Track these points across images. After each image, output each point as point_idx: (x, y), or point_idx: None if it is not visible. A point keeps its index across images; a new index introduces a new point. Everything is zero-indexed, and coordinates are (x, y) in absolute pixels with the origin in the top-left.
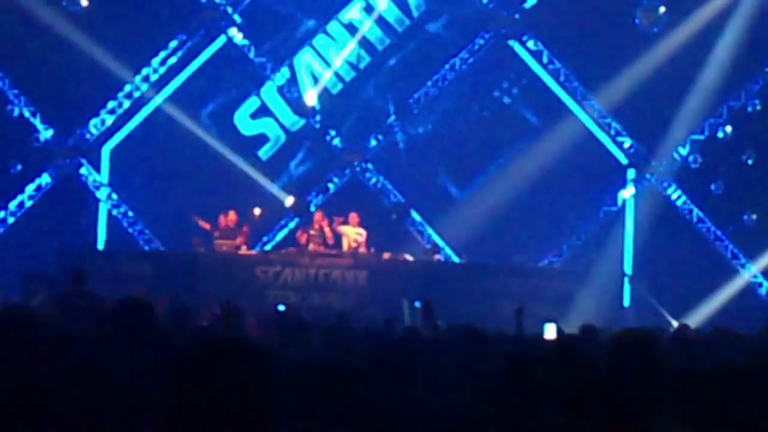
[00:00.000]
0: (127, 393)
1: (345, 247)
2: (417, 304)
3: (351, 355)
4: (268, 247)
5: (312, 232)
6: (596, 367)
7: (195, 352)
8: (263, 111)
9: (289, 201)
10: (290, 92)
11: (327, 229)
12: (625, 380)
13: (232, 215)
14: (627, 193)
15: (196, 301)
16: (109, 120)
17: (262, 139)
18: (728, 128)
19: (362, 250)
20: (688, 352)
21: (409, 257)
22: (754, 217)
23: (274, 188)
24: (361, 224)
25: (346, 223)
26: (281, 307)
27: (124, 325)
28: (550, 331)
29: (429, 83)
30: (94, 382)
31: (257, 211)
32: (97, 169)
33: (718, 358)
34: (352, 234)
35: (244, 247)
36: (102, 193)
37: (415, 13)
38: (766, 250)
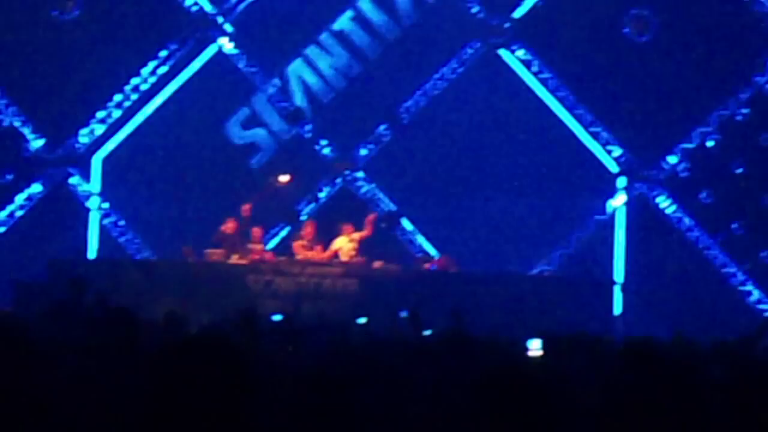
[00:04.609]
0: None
1: (344, 258)
2: (403, 314)
3: (344, 364)
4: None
5: (304, 242)
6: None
7: (172, 352)
8: (254, 120)
9: (283, 178)
10: (281, 102)
11: (321, 251)
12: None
13: (230, 224)
14: (617, 201)
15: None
16: (100, 130)
17: (253, 148)
18: (717, 137)
19: (353, 253)
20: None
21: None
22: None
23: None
24: (354, 231)
25: (336, 234)
26: (277, 317)
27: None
28: (534, 347)
29: (419, 93)
30: (85, 391)
31: (285, 178)
32: (88, 178)
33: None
34: (347, 245)
35: (234, 256)
36: (92, 203)
37: (406, 23)
38: (754, 259)
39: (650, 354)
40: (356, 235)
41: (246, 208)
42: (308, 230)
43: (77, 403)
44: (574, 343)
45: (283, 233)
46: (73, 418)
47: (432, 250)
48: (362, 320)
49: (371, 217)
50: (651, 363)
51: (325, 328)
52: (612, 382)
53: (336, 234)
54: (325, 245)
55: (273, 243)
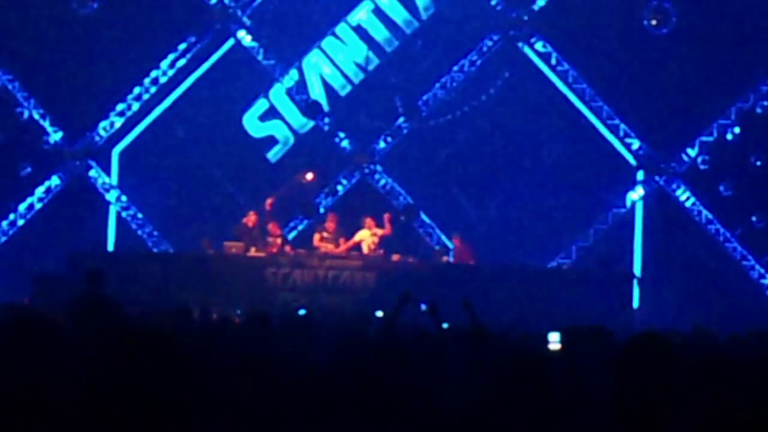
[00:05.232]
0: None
1: (365, 251)
2: (423, 306)
3: (364, 357)
4: None
5: (325, 234)
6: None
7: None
8: (272, 113)
9: (308, 176)
10: (299, 94)
11: (342, 245)
12: (637, 382)
13: (252, 216)
14: (636, 194)
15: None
16: (119, 122)
17: (270, 141)
18: (737, 130)
19: (373, 247)
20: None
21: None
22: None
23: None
24: (377, 226)
25: (357, 228)
26: (302, 312)
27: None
28: (553, 340)
29: (437, 85)
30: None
31: (309, 175)
32: (107, 171)
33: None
34: (369, 239)
35: (253, 249)
36: (111, 196)
37: (424, 15)
38: None
39: (660, 347)
40: (378, 231)
41: (269, 202)
42: (330, 224)
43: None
44: (591, 336)
45: (301, 227)
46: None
47: (450, 244)
48: (379, 313)
49: (387, 215)
50: (662, 356)
51: (342, 321)
52: (622, 374)
53: (356, 227)
54: (347, 239)
55: (291, 236)
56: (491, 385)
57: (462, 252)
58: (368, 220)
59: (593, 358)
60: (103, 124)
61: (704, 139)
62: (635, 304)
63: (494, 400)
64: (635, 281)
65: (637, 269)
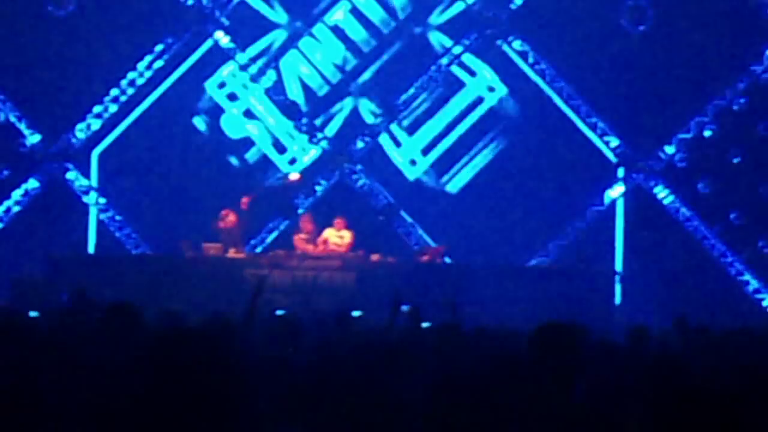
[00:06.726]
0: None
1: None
2: (405, 308)
3: (342, 358)
4: (257, 250)
5: (302, 236)
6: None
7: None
8: (250, 114)
9: (293, 176)
10: (277, 95)
11: (321, 245)
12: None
13: (231, 216)
14: (614, 192)
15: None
16: (96, 124)
17: (249, 142)
18: (714, 127)
19: (334, 247)
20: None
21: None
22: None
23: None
24: (347, 227)
25: (329, 226)
26: (279, 312)
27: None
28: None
29: (415, 84)
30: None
31: (295, 176)
32: (85, 173)
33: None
34: (333, 238)
35: (232, 250)
36: (90, 198)
37: (401, 15)
38: (753, 248)
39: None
40: (346, 235)
41: (245, 201)
42: (307, 225)
43: (75, 395)
44: (566, 334)
45: (282, 226)
46: (70, 410)
47: (431, 243)
48: (357, 313)
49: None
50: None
51: (321, 322)
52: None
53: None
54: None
55: (271, 237)
56: (470, 384)
57: (429, 249)
58: (337, 221)
59: (567, 357)
60: (81, 126)
61: (682, 136)
62: (617, 300)
63: (473, 398)
64: (617, 277)
65: (618, 265)
